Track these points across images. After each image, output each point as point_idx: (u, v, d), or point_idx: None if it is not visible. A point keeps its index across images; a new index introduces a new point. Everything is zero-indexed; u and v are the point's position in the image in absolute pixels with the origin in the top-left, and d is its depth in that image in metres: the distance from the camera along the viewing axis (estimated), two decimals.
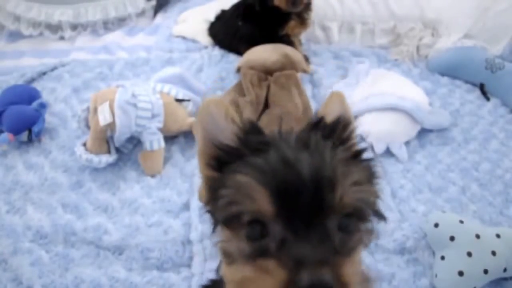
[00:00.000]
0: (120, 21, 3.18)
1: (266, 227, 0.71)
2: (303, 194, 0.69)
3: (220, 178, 0.78)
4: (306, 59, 2.61)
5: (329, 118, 0.83)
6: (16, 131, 2.10)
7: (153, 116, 2.02)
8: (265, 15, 2.57)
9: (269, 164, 0.73)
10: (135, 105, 1.97)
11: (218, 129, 0.82)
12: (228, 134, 0.80)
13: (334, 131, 0.82)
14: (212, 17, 2.93)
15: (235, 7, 2.80)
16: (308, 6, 2.57)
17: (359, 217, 0.77)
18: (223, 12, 2.89)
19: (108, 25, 3.14)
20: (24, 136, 2.13)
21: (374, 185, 0.82)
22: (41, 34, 3.07)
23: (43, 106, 2.21)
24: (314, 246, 0.68)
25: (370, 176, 0.82)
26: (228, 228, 0.76)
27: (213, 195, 0.79)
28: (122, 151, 2.11)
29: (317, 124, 0.83)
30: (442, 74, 2.59)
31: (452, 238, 1.65)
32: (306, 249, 0.67)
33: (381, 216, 0.83)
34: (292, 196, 0.69)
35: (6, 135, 2.09)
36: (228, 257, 0.77)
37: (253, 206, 0.71)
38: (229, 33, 2.76)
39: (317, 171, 0.71)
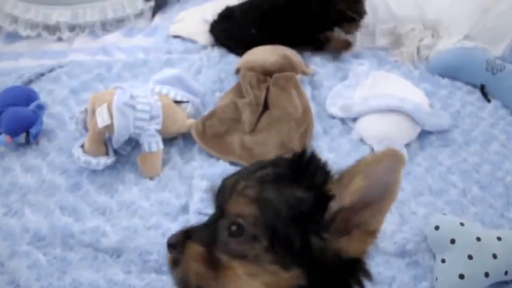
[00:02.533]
0: (118, 22, 3.17)
1: None
2: (218, 197, 0.92)
3: None
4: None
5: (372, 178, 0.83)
6: (13, 133, 2.09)
7: (152, 118, 2.01)
8: (302, 18, 2.62)
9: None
10: (133, 107, 1.97)
11: None
12: None
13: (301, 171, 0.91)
14: (209, 17, 2.92)
15: (244, 11, 2.79)
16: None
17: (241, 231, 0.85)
18: (229, 10, 2.87)
19: (106, 26, 3.14)
20: (21, 138, 2.11)
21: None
22: (39, 35, 3.06)
23: (40, 107, 2.20)
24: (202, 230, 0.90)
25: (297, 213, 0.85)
26: None
27: None
28: (121, 153, 2.10)
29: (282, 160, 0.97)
30: (443, 75, 2.58)
31: (452, 241, 1.64)
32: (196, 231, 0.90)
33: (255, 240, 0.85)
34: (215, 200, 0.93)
35: (4, 137, 2.08)
36: None
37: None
38: (239, 40, 2.74)
39: (232, 185, 0.90)
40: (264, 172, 0.89)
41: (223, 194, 0.91)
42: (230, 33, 2.80)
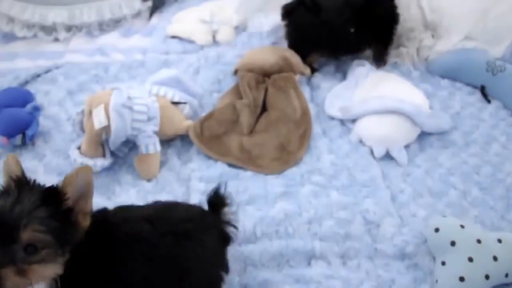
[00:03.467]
0: (116, 23, 3.15)
1: None
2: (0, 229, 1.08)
3: None
4: None
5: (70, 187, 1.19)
6: (9, 135, 2.08)
7: (149, 119, 2.00)
8: None
9: None
10: (130, 108, 1.95)
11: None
12: None
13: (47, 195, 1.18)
14: (207, 17, 2.91)
15: (338, 12, 2.53)
16: None
17: (43, 247, 1.12)
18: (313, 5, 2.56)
19: (103, 27, 3.12)
20: (17, 139, 2.10)
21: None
22: (35, 35, 3.04)
23: (37, 109, 2.19)
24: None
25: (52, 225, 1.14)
26: None
27: None
28: (118, 154, 2.09)
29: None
30: (443, 76, 2.57)
31: (453, 243, 1.63)
32: None
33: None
34: None
35: (0, 139, 2.06)
36: None
37: None
38: (333, 41, 2.55)
39: (8, 218, 1.09)
40: (27, 208, 1.12)
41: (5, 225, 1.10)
42: (319, 32, 2.54)
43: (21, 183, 1.19)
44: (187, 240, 1.36)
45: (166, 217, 1.41)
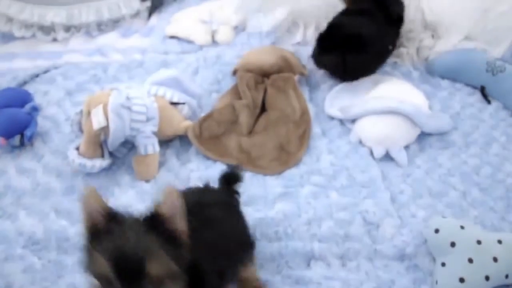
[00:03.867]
0: (114, 23, 3.15)
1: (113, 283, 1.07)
2: (127, 267, 1.06)
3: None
4: None
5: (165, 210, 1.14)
6: (8, 135, 2.07)
7: (148, 119, 1.99)
8: None
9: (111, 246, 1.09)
10: (129, 109, 1.95)
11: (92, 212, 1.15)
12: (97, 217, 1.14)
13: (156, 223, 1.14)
14: (206, 17, 2.91)
15: (381, 39, 2.47)
16: None
17: (167, 277, 1.10)
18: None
19: (102, 27, 3.11)
20: (16, 140, 2.10)
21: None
22: (33, 35, 3.04)
23: (35, 109, 2.18)
24: None
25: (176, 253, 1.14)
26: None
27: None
28: (116, 155, 2.09)
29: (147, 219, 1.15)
30: (442, 76, 2.56)
31: (453, 244, 1.63)
32: None
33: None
34: (121, 268, 1.06)
35: None
36: None
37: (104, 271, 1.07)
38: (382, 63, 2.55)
39: (135, 255, 1.06)
40: (142, 242, 1.10)
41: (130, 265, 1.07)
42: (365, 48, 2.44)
43: (111, 218, 1.15)
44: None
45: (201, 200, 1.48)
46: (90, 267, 1.10)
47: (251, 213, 1.81)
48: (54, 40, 3.05)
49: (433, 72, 2.59)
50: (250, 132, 2.18)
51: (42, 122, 2.23)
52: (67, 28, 3.06)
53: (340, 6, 2.54)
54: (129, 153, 2.11)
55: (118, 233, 1.10)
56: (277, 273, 1.67)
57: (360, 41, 2.36)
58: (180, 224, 1.15)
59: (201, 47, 2.83)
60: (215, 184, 1.66)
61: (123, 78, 2.56)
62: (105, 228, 1.12)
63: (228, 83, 2.47)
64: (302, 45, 2.77)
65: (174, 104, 2.16)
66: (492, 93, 2.44)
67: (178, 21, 3.01)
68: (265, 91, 2.32)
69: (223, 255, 1.36)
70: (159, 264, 1.08)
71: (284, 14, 2.78)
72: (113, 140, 1.95)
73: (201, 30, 2.88)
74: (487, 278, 1.58)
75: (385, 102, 2.17)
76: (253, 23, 2.86)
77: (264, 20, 2.83)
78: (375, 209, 1.84)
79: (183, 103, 2.19)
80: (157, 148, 2.01)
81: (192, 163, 2.07)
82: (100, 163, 1.98)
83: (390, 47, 2.52)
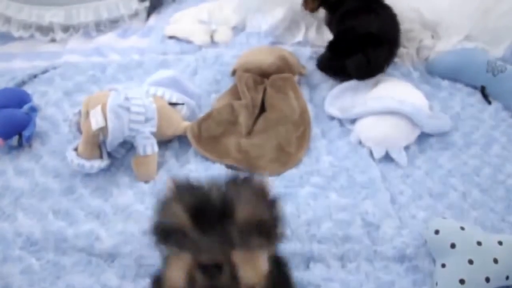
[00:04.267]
0: (113, 23, 3.15)
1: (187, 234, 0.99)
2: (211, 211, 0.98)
3: None
4: None
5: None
6: (6, 136, 2.07)
7: (147, 120, 1.98)
8: None
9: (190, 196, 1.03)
10: (128, 109, 1.94)
11: None
12: None
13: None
14: (205, 18, 2.91)
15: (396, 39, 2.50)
16: None
17: (257, 232, 1.02)
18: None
19: (100, 27, 3.11)
20: (14, 140, 2.09)
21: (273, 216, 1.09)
22: (32, 36, 3.04)
23: (34, 110, 2.18)
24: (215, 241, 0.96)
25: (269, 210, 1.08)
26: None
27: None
28: (115, 156, 2.08)
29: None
30: (443, 77, 2.56)
31: (453, 245, 1.63)
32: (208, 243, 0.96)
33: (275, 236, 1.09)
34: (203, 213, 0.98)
35: None
36: None
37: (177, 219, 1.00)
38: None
39: (221, 198, 1.00)
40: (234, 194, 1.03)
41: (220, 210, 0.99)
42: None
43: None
44: None
45: None
46: (159, 226, 1.04)
47: None
48: (53, 40, 3.05)
49: (433, 72, 2.59)
50: (249, 132, 2.18)
51: (40, 123, 2.22)
52: (66, 29, 3.06)
53: None
54: (128, 153, 2.10)
55: (199, 188, 1.04)
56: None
57: (376, 37, 2.36)
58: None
59: (200, 47, 2.83)
60: None
61: (122, 79, 2.56)
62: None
63: (227, 83, 2.46)
64: (302, 45, 2.77)
65: (173, 104, 2.15)
66: (492, 93, 2.44)
67: (176, 22, 3.01)
68: (265, 91, 2.31)
69: None
70: (251, 212, 1.00)
71: (283, 14, 2.78)
72: (112, 140, 1.95)
73: (200, 30, 2.88)
74: (487, 279, 1.57)
75: (385, 102, 2.17)
76: (252, 23, 2.86)
77: (263, 20, 2.83)
78: (375, 210, 1.84)
79: (182, 104, 2.19)
80: (156, 148, 2.01)
81: (191, 164, 2.06)
82: (98, 163, 1.97)
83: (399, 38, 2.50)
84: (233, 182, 1.06)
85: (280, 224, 1.09)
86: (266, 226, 1.04)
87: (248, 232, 0.98)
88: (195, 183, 1.08)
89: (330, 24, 2.56)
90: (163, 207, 1.06)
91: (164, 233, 1.03)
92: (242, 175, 1.10)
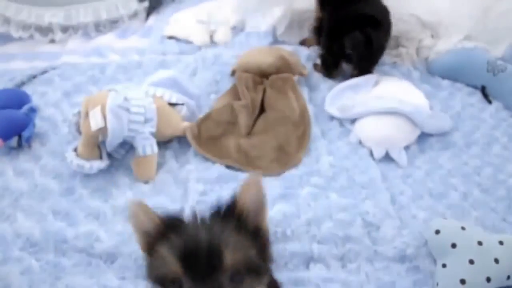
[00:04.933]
0: (112, 23, 3.15)
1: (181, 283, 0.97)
2: (198, 258, 0.96)
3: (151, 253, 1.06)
4: None
5: (246, 202, 1.06)
6: (5, 136, 2.06)
7: (146, 120, 1.98)
8: None
9: (179, 242, 1.00)
10: (127, 110, 1.94)
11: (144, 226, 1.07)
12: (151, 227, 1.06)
13: (230, 214, 1.05)
14: (204, 18, 2.90)
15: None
16: None
17: (247, 272, 1.00)
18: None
19: (99, 27, 3.12)
20: (13, 141, 2.09)
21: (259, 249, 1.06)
22: (31, 36, 3.04)
23: (33, 110, 2.18)
24: None
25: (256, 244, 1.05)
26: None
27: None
28: (114, 156, 2.08)
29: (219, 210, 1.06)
30: (443, 76, 2.57)
31: (453, 245, 1.62)
32: None
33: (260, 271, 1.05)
34: (191, 259, 0.96)
35: None
36: None
37: (171, 270, 0.98)
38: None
39: (208, 244, 0.97)
40: (217, 233, 1.00)
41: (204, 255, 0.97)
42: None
43: (169, 225, 1.06)
44: None
45: None
46: (154, 273, 1.02)
47: None
48: (52, 41, 3.06)
49: (433, 72, 2.60)
50: (249, 133, 2.18)
51: (40, 123, 2.22)
52: (65, 29, 3.07)
53: None
54: (127, 154, 2.10)
55: (185, 230, 1.01)
56: (275, 274, 1.66)
57: (375, 19, 2.41)
58: (263, 218, 1.08)
59: (199, 47, 2.83)
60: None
61: (121, 79, 2.56)
62: (164, 235, 1.03)
63: (226, 83, 2.46)
64: (302, 44, 2.77)
65: (172, 105, 2.15)
66: (493, 93, 2.45)
67: (176, 22, 3.01)
68: (264, 91, 2.31)
69: None
70: (238, 254, 0.98)
71: (283, 14, 2.78)
72: (111, 141, 1.94)
73: (199, 30, 2.88)
74: (488, 279, 1.57)
75: (385, 102, 2.17)
76: (252, 23, 2.86)
77: (262, 20, 2.83)
78: (375, 210, 1.83)
79: (182, 104, 2.18)
80: (156, 149, 2.00)
81: (190, 164, 2.05)
82: (98, 164, 1.97)
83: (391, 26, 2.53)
84: (216, 217, 1.05)
85: (268, 249, 1.10)
86: (255, 264, 1.02)
87: (238, 276, 0.98)
88: (179, 218, 1.06)
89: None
90: (155, 253, 1.03)
91: (158, 280, 1.02)
92: (224, 205, 1.07)
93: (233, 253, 0.96)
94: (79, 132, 2.02)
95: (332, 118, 2.29)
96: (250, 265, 1.00)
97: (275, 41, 2.83)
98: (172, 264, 0.97)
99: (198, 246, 0.96)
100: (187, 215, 1.06)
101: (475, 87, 2.52)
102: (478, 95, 2.48)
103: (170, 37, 2.93)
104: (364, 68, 2.48)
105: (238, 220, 1.04)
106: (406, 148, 2.14)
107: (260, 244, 1.06)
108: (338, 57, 2.50)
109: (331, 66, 2.53)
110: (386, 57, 2.69)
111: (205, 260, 0.95)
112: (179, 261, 0.96)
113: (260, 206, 1.08)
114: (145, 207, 1.07)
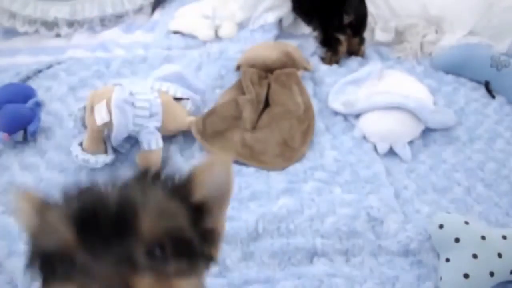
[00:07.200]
0: (117, 18, 3.15)
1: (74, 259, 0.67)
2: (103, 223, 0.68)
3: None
4: None
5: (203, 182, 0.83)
6: (11, 131, 2.07)
7: (151, 115, 1.99)
8: None
9: (73, 204, 0.72)
10: (132, 104, 1.94)
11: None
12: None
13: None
14: (209, 13, 2.91)
15: None
16: None
17: (173, 248, 0.72)
18: None
19: (105, 22, 3.11)
20: (19, 135, 2.10)
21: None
22: (36, 31, 3.04)
23: (38, 105, 2.19)
24: (109, 265, 0.65)
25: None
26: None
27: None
28: (120, 151, 2.08)
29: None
30: (447, 72, 2.56)
31: (457, 240, 1.63)
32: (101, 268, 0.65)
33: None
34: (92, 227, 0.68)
35: (1, 135, 2.06)
36: None
37: (60, 241, 0.69)
38: None
39: (117, 203, 0.70)
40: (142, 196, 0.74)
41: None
42: None
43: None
44: None
45: None
46: (36, 253, 0.73)
47: (254, 208, 1.81)
48: (57, 35, 3.05)
49: (437, 67, 2.59)
50: (254, 127, 2.18)
51: (45, 118, 2.23)
52: (70, 24, 3.06)
53: None
54: (133, 148, 2.11)
55: (86, 192, 0.75)
56: (279, 269, 1.66)
57: None
58: (221, 207, 0.86)
59: (204, 42, 2.83)
60: None
61: (127, 74, 2.56)
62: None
63: (231, 78, 2.46)
64: (307, 38, 2.77)
65: (177, 99, 2.16)
66: (496, 88, 2.44)
67: (181, 17, 3.01)
68: (269, 86, 2.31)
69: None
70: (162, 220, 0.71)
71: (288, 8, 2.78)
72: (116, 135, 1.95)
73: (205, 25, 2.88)
74: (491, 274, 1.57)
75: (389, 97, 2.17)
76: (257, 18, 2.86)
77: (267, 15, 2.82)
78: (379, 204, 1.83)
79: (187, 99, 2.19)
80: (161, 143, 2.00)
81: (195, 159, 2.06)
82: (103, 158, 1.98)
83: None
84: (139, 178, 0.81)
85: (216, 242, 0.86)
86: (188, 240, 0.75)
87: (159, 250, 0.70)
88: (86, 185, 0.78)
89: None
90: (39, 220, 0.76)
91: (43, 261, 0.72)
92: (154, 168, 0.83)
93: (154, 217, 0.70)
94: (85, 126, 2.02)
95: (336, 113, 2.28)
96: (180, 239, 0.73)
97: (281, 34, 2.83)
98: (61, 232, 0.68)
99: (101, 206, 0.69)
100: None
101: (478, 82, 2.51)
102: (482, 90, 2.47)
103: (175, 32, 2.93)
104: (361, 32, 2.61)
105: (178, 189, 0.80)
106: (410, 143, 2.14)
107: (204, 229, 0.82)
108: (336, 31, 2.54)
109: (334, 44, 2.57)
110: (390, 52, 2.70)
111: (111, 220, 0.68)
112: (72, 227, 0.68)
113: (222, 193, 0.85)
114: (29, 195, 0.82)
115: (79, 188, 0.75)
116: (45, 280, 0.72)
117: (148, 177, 0.80)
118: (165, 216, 0.72)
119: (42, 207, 0.77)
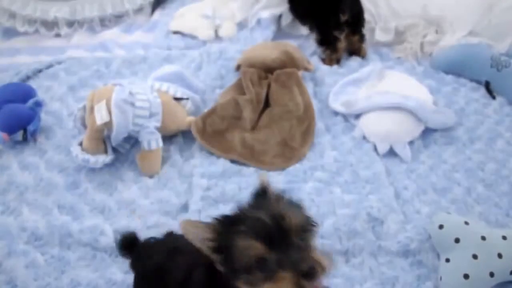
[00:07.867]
0: (117, 18, 3.15)
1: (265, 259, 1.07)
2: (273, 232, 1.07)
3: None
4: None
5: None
6: (11, 131, 2.08)
7: (151, 115, 1.99)
8: None
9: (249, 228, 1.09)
10: (132, 104, 1.95)
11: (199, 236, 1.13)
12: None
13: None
14: (209, 13, 2.91)
15: None
16: None
17: (306, 231, 1.12)
18: None
19: (105, 22, 3.11)
20: (19, 135, 2.10)
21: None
22: (36, 31, 3.04)
23: (38, 104, 2.18)
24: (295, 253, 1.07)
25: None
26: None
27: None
28: (119, 151, 2.09)
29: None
30: (447, 72, 2.56)
31: (457, 240, 1.62)
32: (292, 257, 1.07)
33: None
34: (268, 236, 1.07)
35: (1, 135, 2.06)
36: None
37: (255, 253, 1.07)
38: None
39: (273, 217, 1.09)
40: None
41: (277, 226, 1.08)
42: None
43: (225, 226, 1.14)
44: None
45: None
46: (236, 264, 1.09)
47: None
48: (57, 35, 3.06)
49: (437, 67, 2.59)
50: (254, 127, 2.18)
51: (45, 118, 2.23)
52: (70, 24, 3.07)
53: None
54: (132, 148, 2.11)
55: (247, 216, 1.12)
56: None
57: None
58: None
59: (204, 42, 2.83)
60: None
61: (126, 74, 2.57)
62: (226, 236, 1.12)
63: (231, 78, 2.46)
64: (307, 39, 2.77)
65: (177, 99, 2.15)
66: (496, 88, 2.44)
67: (181, 17, 3.01)
68: (269, 86, 2.30)
69: None
70: (297, 218, 1.10)
71: (285, 7, 2.78)
72: (116, 135, 1.95)
73: (204, 25, 2.89)
74: (491, 274, 1.57)
75: (389, 98, 2.17)
76: (256, 18, 2.86)
77: (263, 12, 2.83)
78: (379, 205, 1.83)
79: (187, 99, 2.19)
80: (161, 143, 2.01)
81: (195, 159, 2.06)
82: (103, 158, 1.98)
83: None
84: (263, 197, 1.19)
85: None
86: (309, 223, 1.15)
87: (302, 235, 1.10)
88: (237, 213, 1.15)
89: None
90: (232, 248, 1.10)
91: (243, 268, 1.09)
92: (265, 190, 1.21)
93: (291, 217, 1.08)
94: (84, 126, 2.03)
95: (336, 113, 2.28)
96: (306, 225, 1.13)
97: (281, 35, 2.83)
98: (255, 247, 1.06)
99: (266, 222, 1.07)
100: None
101: (479, 82, 2.51)
102: (482, 90, 2.47)
103: (175, 32, 2.94)
104: (359, 29, 2.64)
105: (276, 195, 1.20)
106: (410, 143, 2.14)
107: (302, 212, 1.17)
108: (334, 29, 2.55)
109: (332, 41, 2.58)
110: (390, 52, 2.71)
111: (276, 230, 1.06)
112: (260, 241, 1.06)
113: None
114: (191, 222, 1.14)
115: (246, 217, 1.11)
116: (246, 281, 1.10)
117: (269, 194, 1.20)
118: (296, 214, 1.12)
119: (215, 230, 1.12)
